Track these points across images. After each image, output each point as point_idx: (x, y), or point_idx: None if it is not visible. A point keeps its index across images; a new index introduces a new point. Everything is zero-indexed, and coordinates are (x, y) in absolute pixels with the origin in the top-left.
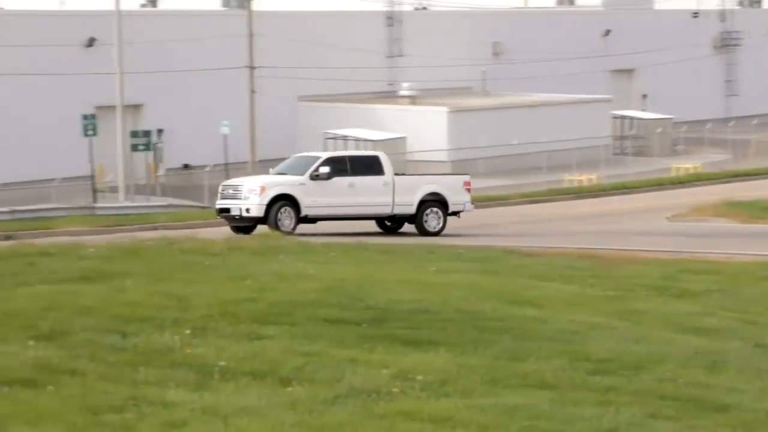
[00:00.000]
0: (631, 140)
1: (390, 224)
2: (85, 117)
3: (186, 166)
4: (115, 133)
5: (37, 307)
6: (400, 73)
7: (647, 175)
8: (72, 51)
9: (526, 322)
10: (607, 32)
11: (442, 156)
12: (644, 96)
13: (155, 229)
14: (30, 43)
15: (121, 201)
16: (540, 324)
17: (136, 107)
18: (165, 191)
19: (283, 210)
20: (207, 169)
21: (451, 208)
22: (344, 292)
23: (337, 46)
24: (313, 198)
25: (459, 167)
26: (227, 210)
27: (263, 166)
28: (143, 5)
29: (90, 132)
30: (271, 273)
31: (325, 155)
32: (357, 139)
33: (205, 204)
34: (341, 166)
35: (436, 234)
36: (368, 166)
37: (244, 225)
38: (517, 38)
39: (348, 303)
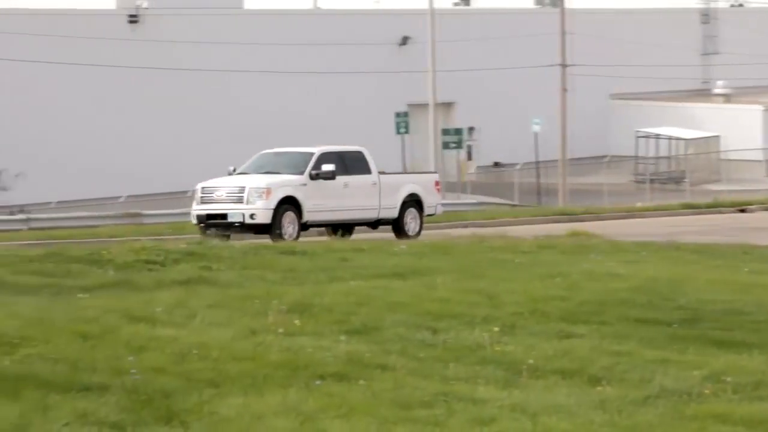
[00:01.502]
0: None
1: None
2: (398, 114)
3: (496, 164)
4: (427, 131)
5: (349, 302)
6: (714, 71)
7: None
8: (386, 49)
9: None
10: None
11: (757, 155)
12: None
13: (466, 226)
14: (345, 42)
15: None
16: None
17: (448, 105)
18: (475, 189)
19: (285, 215)
20: (517, 167)
21: (426, 211)
22: (655, 292)
23: (650, 44)
24: (313, 201)
25: None
26: (222, 216)
27: (573, 164)
28: (456, 4)
29: (402, 129)
30: (582, 272)
31: (317, 150)
32: (669, 138)
33: (516, 202)
34: (335, 164)
35: (415, 237)
36: (356, 163)
37: (241, 233)
38: None
39: (659, 303)
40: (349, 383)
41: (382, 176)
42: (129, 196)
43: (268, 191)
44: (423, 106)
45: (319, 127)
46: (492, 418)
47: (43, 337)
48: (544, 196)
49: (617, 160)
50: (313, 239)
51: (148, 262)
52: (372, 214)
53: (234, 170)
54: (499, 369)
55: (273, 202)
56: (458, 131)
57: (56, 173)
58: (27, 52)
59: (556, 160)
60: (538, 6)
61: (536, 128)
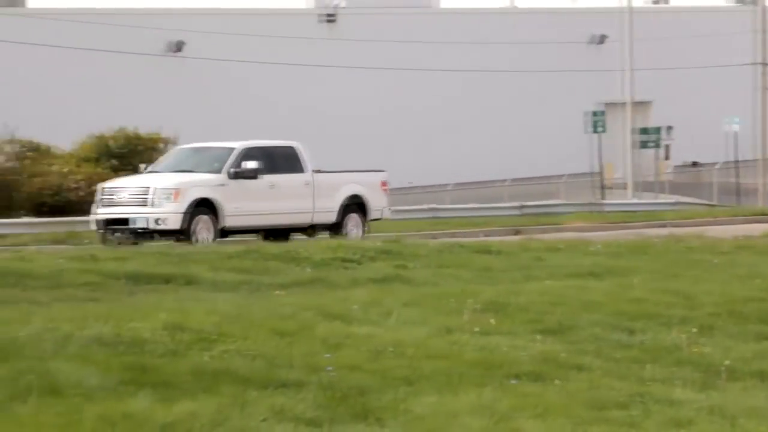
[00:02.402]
0: None
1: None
2: (594, 113)
3: (694, 164)
4: (619, 130)
5: (544, 301)
6: None
7: None
8: (578, 48)
9: None
10: None
11: None
12: None
13: (662, 226)
14: (539, 40)
15: (628, 198)
16: None
17: (644, 104)
18: (672, 188)
19: (198, 220)
20: (717, 166)
21: (372, 215)
22: None
23: None
24: (234, 204)
25: None
26: (123, 221)
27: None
28: (653, 1)
29: (594, 128)
30: None
31: (240, 145)
32: None
33: (714, 202)
34: (259, 161)
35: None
36: (286, 160)
37: (148, 240)
38: None
39: None
40: (544, 383)
41: (317, 175)
42: None
43: (176, 192)
44: (615, 105)
45: (500, 126)
46: (689, 420)
47: (241, 334)
48: (740, 196)
49: None
50: (477, 239)
51: (344, 260)
52: (304, 219)
53: (145, 168)
54: (697, 370)
55: (184, 205)
56: (649, 130)
57: None
58: (219, 51)
59: (750, 160)
60: (735, 4)
61: (733, 127)
